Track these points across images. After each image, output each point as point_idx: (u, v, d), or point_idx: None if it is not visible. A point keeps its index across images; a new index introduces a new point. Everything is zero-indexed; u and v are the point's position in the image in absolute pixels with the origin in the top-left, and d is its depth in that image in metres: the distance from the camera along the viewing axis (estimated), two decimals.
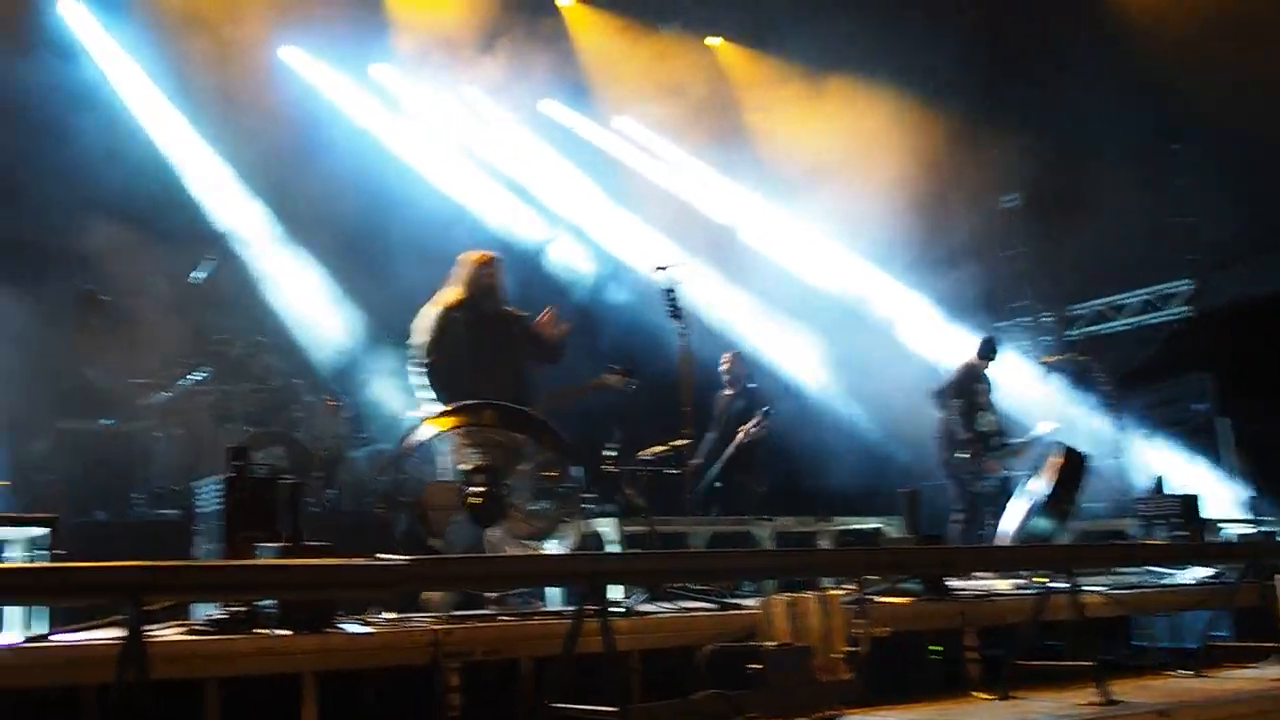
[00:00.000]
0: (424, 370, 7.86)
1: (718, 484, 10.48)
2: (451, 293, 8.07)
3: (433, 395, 7.77)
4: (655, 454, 7.81)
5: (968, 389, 10.85)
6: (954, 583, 7.66)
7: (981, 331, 11.83)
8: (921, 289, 14.10)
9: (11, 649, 4.64)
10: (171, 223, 11.33)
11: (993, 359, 11.11)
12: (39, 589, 4.20)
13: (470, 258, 8.15)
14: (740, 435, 10.50)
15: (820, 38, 13.26)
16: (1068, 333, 15.15)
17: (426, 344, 7.86)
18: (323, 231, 12.11)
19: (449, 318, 7.95)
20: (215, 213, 12.17)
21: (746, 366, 11.30)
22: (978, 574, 8.72)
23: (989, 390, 11.02)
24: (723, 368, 11.12)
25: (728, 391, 10.97)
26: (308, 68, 13.32)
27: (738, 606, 6.57)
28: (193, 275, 11.45)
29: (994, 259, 14.94)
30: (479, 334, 7.93)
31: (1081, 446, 9.51)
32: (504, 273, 8.17)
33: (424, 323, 7.95)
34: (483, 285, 8.05)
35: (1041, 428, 10.59)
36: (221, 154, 12.36)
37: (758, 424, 10.50)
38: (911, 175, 13.04)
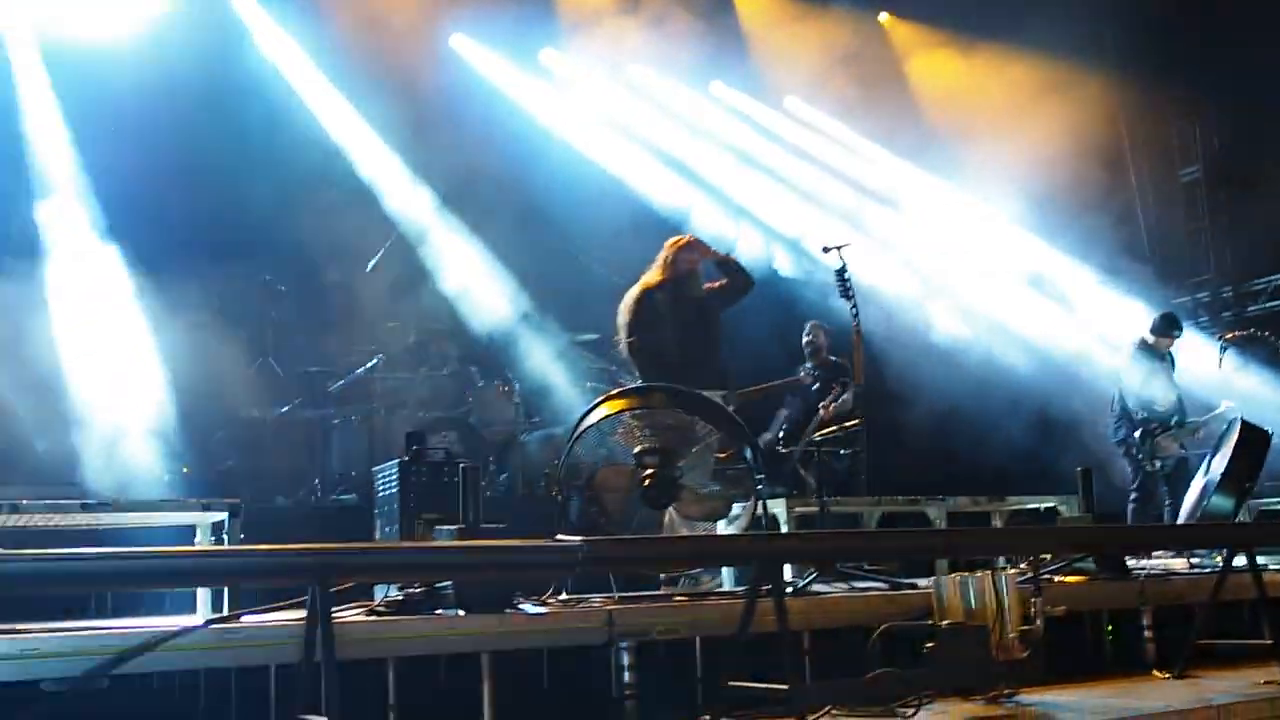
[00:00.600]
0: (627, 350, 8.03)
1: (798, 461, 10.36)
2: (653, 275, 8.16)
3: (636, 375, 7.95)
4: (827, 434, 7.77)
5: (1145, 366, 10.59)
6: (1131, 562, 7.51)
7: (1160, 308, 11.54)
8: (1098, 264, 13.74)
9: (200, 629, 4.80)
10: (344, 213, 11.58)
11: (1173, 336, 10.82)
12: (228, 571, 4.35)
13: (672, 241, 8.25)
14: (822, 411, 10.27)
15: (992, 7, 13.01)
16: (1248, 308, 14.67)
17: (628, 324, 7.99)
18: (494, 218, 12.27)
19: (651, 299, 8.05)
20: (386, 200, 12.38)
21: (829, 338, 10.96)
22: (1156, 554, 8.55)
23: (1169, 368, 10.74)
24: (805, 339, 10.94)
25: (809, 365, 10.80)
26: (477, 55, 13.47)
27: (911, 586, 6.54)
28: (370, 265, 11.73)
29: (1174, 233, 14.52)
30: (681, 317, 8.01)
31: (1262, 424, 9.22)
32: (704, 256, 8.24)
33: (626, 303, 8.09)
34: (682, 269, 8.12)
35: (1222, 406, 10.27)
36: (391, 142, 12.55)
37: (836, 397, 10.25)
38: (1089, 148, 12.74)
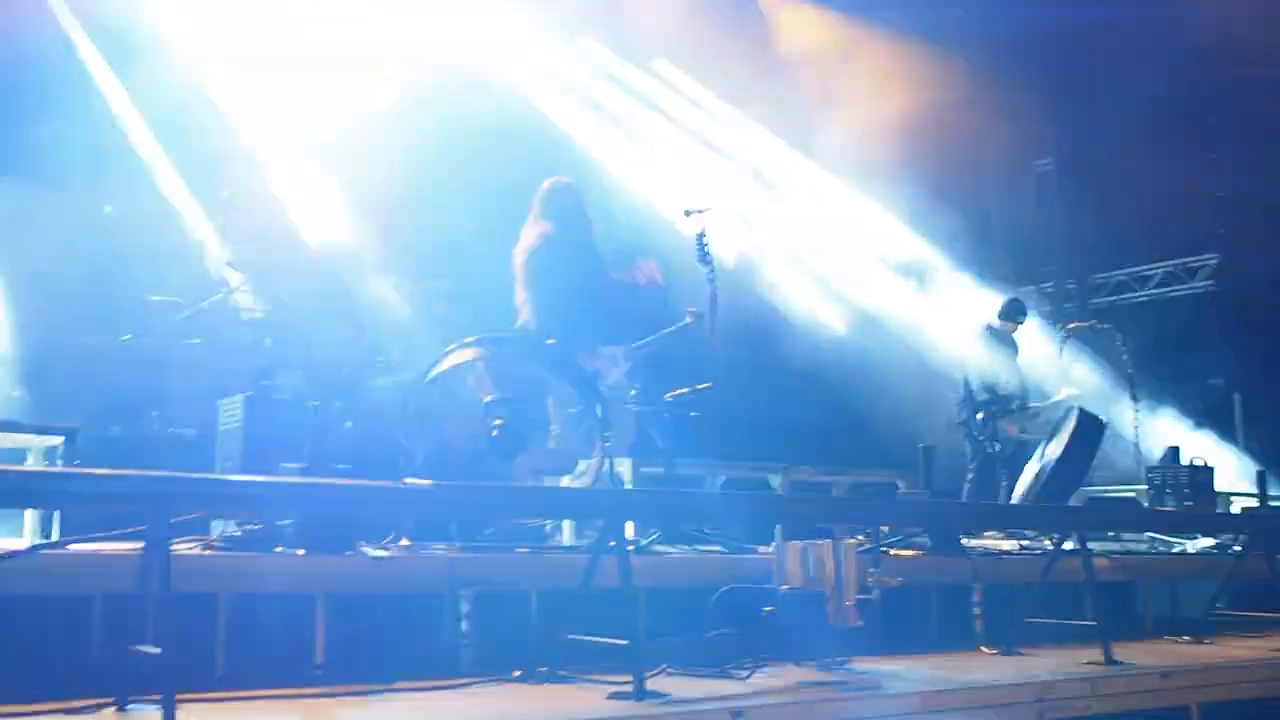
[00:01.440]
0: (520, 300, 8.01)
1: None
2: (544, 223, 8.15)
3: (528, 323, 7.89)
4: (677, 395, 7.81)
5: (991, 350, 10.84)
6: (965, 541, 7.71)
7: (1006, 294, 11.82)
8: (948, 249, 14.02)
9: (29, 553, 4.65)
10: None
11: (1018, 321, 11.09)
12: (62, 493, 4.20)
13: (549, 185, 8.27)
14: None
15: None
16: (1090, 300, 15.13)
17: (522, 274, 8.01)
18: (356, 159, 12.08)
19: (546, 247, 8.02)
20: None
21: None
22: (989, 534, 8.79)
23: (1014, 353, 11.01)
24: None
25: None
26: None
27: (751, 551, 6.62)
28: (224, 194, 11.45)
29: (1023, 223, 14.88)
30: (571, 264, 8.01)
31: (1098, 414, 9.53)
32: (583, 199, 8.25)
33: (521, 250, 8.08)
34: (569, 212, 8.16)
35: (1062, 393, 10.58)
36: None
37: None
38: (946, 132, 12.95)
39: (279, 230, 11.78)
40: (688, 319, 8.23)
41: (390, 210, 12.03)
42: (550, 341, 7.26)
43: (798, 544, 5.50)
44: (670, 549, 6.68)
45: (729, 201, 13.13)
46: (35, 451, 6.49)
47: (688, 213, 8.29)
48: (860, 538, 6.72)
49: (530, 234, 8.13)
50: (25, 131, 10.69)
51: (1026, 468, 9.57)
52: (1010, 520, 8.33)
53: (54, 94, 11.02)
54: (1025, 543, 8.36)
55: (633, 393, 7.79)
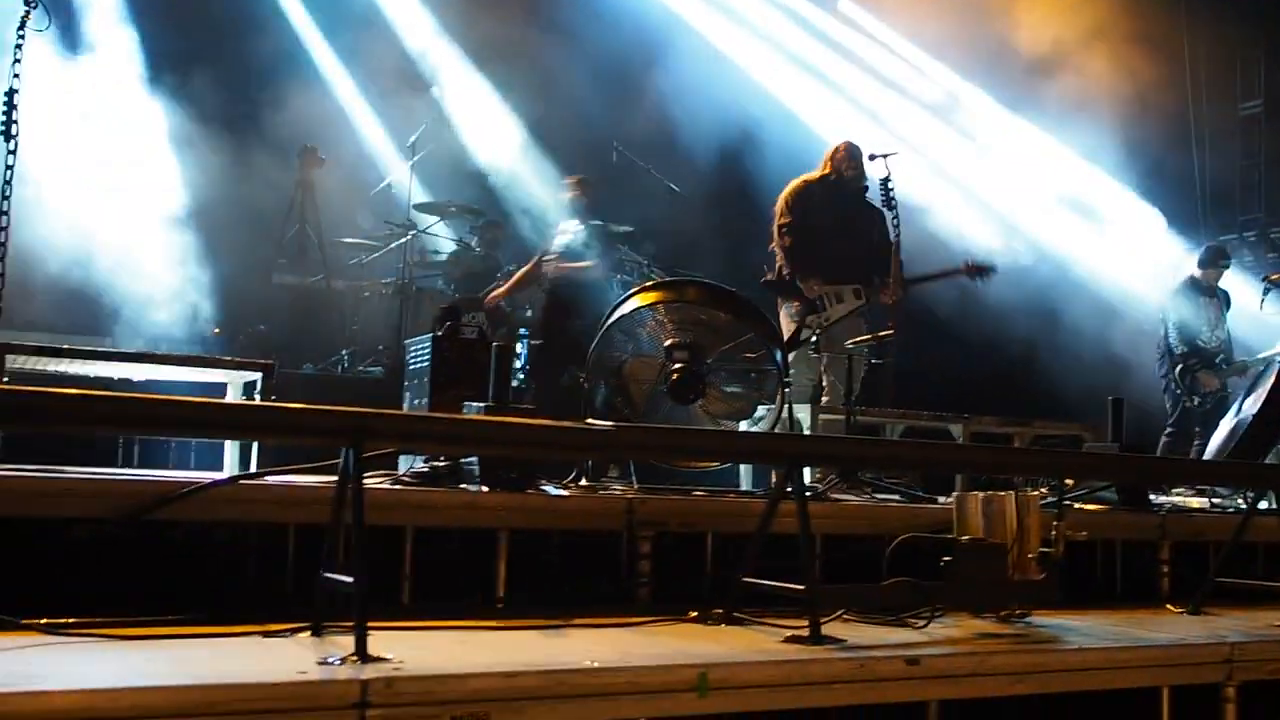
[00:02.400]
0: (775, 235, 8.66)
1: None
2: (814, 171, 8.88)
3: (787, 263, 8.54)
4: (858, 342, 7.76)
5: (1191, 300, 10.52)
6: (1154, 497, 7.52)
7: (1206, 241, 11.44)
8: (1151, 197, 13.57)
9: (229, 483, 4.84)
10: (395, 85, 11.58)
11: (1220, 268, 10.73)
12: (265, 425, 4.36)
13: (835, 145, 8.91)
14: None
15: None
16: None
17: (780, 211, 8.69)
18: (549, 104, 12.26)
19: (807, 190, 8.75)
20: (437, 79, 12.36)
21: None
22: (1177, 491, 8.54)
23: (1220, 304, 10.67)
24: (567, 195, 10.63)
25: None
26: None
27: (931, 501, 6.56)
28: (410, 140, 11.71)
29: (1227, 169, 14.31)
30: (837, 210, 8.64)
31: None
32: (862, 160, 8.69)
33: (783, 193, 8.76)
34: (842, 167, 8.76)
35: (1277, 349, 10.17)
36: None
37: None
38: (1152, 78, 12.52)
39: None
40: (962, 268, 8.38)
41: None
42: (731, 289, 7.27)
43: (978, 494, 5.44)
44: (849, 496, 6.65)
45: (914, 142, 12.96)
46: (233, 385, 6.73)
47: (872, 156, 8.30)
48: (1043, 489, 6.63)
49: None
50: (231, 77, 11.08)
51: (1222, 423, 9.25)
52: (1200, 475, 8.07)
53: (265, 50, 11.37)
54: (1217, 500, 8.10)
55: (813, 338, 7.77)
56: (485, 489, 5.36)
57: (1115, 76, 12.50)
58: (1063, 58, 12.78)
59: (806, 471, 6.55)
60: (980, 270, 8.60)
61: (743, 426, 7.21)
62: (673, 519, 5.52)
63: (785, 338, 7.99)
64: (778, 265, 8.64)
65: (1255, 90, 14.57)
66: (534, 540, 5.28)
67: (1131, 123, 12.86)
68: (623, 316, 7.09)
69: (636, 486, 6.31)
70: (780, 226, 8.63)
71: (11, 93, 6.23)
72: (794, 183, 8.81)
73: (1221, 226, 14.26)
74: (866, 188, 8.66)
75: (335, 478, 4.11)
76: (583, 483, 6.25)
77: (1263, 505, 6.49)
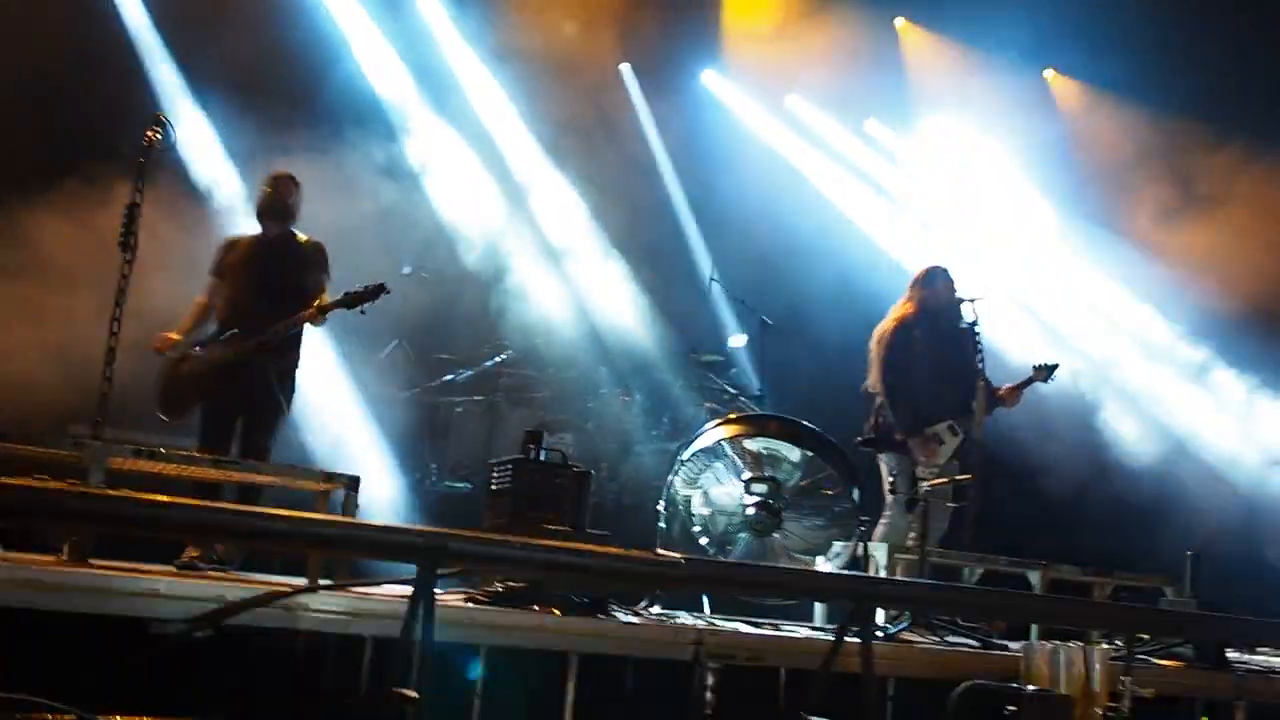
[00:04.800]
0: (874, 385, 8.37)
1: None
2: (904, 306, 8.58)
3: (893, 415, 8.24)
4: (937, 485, 7.77)
5: None
6: (1233, 655, 7.39)
7: None
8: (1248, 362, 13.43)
9: (309, 592, 4.99)
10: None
11: None
12: (345, 541, 4.51)
13: (925, 269, 8.70)
14: None
15: (1161, 73, 12.82)
16: None
17: (879, 358, 8.38)
18: (637, 236, 12.50)
19: (904, 333, 8.41)
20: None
21: None
22: (1263, 649, 8.39)
23: None
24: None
25: None
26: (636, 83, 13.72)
27: (1001, 648, 6.54)
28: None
29: None
30: (934, 347, 8.36)
31: None
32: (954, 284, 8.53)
33: (878, 336, 8.47)
34: (935, 299, 8.47)
35: None
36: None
37: None
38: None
39: None
40: (1033, 373, 8.45)
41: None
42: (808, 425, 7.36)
43: (1048, 644, 5.44)
44: (917, 638, 6.65)
45: (1004, 286, 12.96)
46: (319, 497, 6.89)
47: (960, 301, 8.28)
48: (1118, 642, 6.57)
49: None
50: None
51: None
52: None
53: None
54: None
55: (891, 477, 7.82)
56: (557, 612, 5.46)
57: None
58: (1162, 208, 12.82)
59: (881, 613, 6.59)
60: (1048, 370, 8.70)
61: (819, 563, 7.26)
62: (741, 651, 5.57)
63: (889, 488, 8.04)
64: (875, 415, 8.47)
65: None
66: (604, 665, 5.36)
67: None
68: (705, 447, 7.21)
69: (708, 616, 6.37)
70: (880, 372, 8.41)
71: (133, 206, 6.49)
72: (887, 323, 8.55)
73: None
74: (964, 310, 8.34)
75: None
76: (654, 610, 6.33)
77: None
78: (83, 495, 4.04)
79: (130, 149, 6.75)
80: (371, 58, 12.20)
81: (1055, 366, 8.78)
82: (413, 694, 4.04)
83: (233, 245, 7.81)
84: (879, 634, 6.21)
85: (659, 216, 12.85)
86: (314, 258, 7.63)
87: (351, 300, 7.16)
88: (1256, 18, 12.38)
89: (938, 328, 8.42)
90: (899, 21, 14.27)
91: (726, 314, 12.45)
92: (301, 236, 7.70)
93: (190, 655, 4.59)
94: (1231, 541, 10.83)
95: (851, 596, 5.16)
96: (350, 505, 6.45)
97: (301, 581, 5.50)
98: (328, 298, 7.36)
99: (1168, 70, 12.69)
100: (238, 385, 7.22)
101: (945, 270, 8.68)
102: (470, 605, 5.45)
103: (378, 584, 5.40)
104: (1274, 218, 12.29)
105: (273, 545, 6.18)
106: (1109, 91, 14.04)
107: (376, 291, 7.16)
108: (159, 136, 6.75)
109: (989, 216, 14.25)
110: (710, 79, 13.88)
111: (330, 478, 6.55)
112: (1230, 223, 12.44)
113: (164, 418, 7.49)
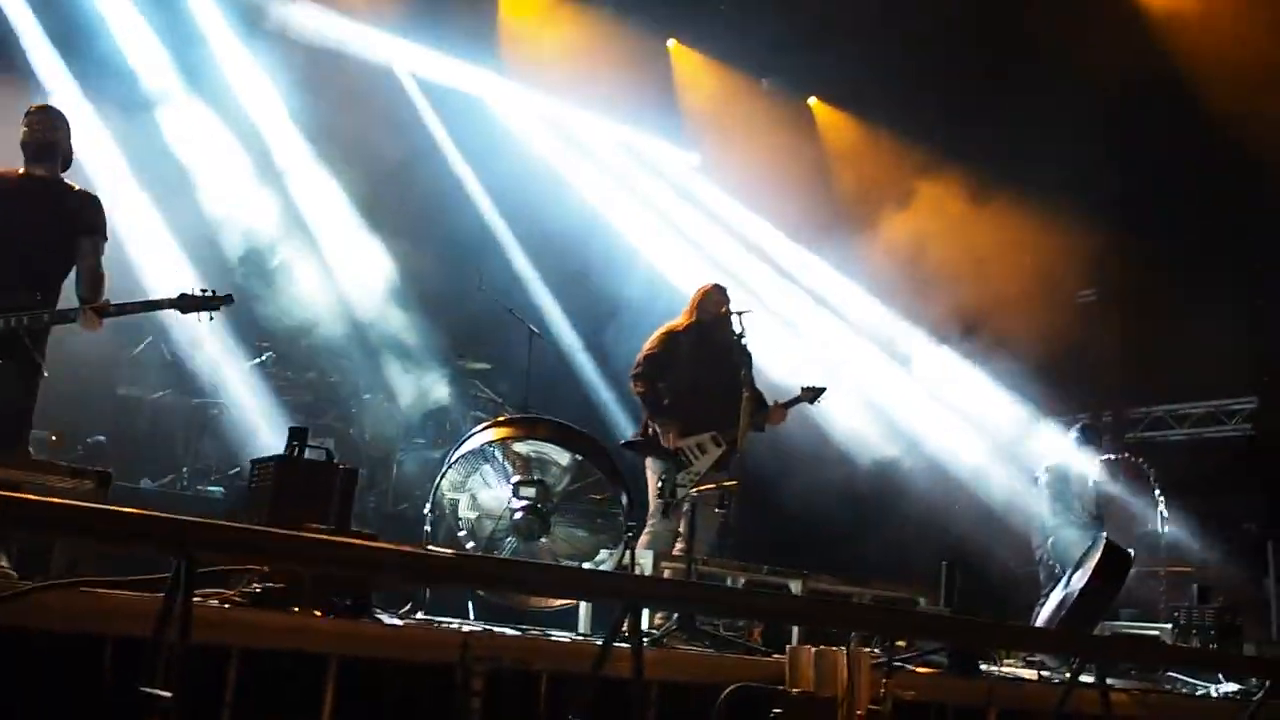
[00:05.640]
0: (632, 383, 8.57)
1: None
2: (680, 318, 8.85)
3: (647, 409, 8.45)
4: (702, 491, 7.82)
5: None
6: (984, 665, 7.64)
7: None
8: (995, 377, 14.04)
9: (47, 588, 4.69)
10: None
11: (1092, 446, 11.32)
12: (94, 529, 4.22)
13: (702, 288, 8.94)
14: None
15: (926, 116, 13.33)
16: (1126, 434, 15.06)
17: (642, 359, 8.59)
18: (410, 237, 12.34)
19: (673, 340, 8.65)
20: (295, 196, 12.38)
21: None
22: (1010, 660, 8.70)
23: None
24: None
25: None
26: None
27: (765, 653, 6.58)
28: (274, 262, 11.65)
29: (1063, 353, 14.86)
30: (701, 359, 8.54)
31: (1127, 547, 9.47)
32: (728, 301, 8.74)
33: (649, 341, 8.71)
34: (709, 313, 8.69)
35: None
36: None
37: None
38: (997, 264, 13.06)
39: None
40: (800, 394, 8.86)
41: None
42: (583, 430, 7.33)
43: (811, 648, 5.49)
44: (685, 645, 6.65)
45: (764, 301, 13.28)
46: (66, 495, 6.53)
47: (730, 315, 8.42)
48: (877, 650, 6.70)
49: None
50: None
51: (1051, 595, 9.49)
52: (1023, 643, 8.22)
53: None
54: (1045, 673, 8.25)
55: (659, 483, 7.82)
56: (319, 613, 5.26)
57: (961, 262, 13.04)
58: (906, 234, 13.33)
59: (645, 620, 6.56)
60: (815, 392, 8.97)
61: (587, 567, 7.21)
62: (507, 655, 5.46)
63: (652, 494, 8.03)
64: (646, 421, 8.59)
65: (1090, 279, 15.17)
66: (365, 669, 5.17)
67: (975, 305, 13.38)
68: (472, 450, 7.09)
69: (473, 620, 6.25)
70: (634, 376, 8.61)
71: None
72: (658, 332, 8.80)
73: (1058, 409, 14.74)
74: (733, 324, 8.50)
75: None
76: (418, 615, 6.17)
77: (1085, 678, 6.62)
78: None
79: None
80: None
81: (823, 390, 9.00)
82: (165, 694, 3.82)
83: None
84: (646, 638, 6.18)
85: (435, 214, 12.67)
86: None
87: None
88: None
89: (709, 339, 8.60)
90: (671, 43, 14.51)
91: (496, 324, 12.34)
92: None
93: None
94: (978, 550, 11.25)
95: (622, 596, 5.11)
96: (99, 503, 6.11)
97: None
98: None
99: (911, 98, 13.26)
100: None
101: (719, 286, 8.96)
102: (225, 606, 5.19)
103: (119, 582, 5.10)
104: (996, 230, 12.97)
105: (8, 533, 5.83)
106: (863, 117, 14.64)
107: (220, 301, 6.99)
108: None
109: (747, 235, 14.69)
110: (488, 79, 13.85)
111: (78, 473, 6.19)
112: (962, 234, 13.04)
113: None
